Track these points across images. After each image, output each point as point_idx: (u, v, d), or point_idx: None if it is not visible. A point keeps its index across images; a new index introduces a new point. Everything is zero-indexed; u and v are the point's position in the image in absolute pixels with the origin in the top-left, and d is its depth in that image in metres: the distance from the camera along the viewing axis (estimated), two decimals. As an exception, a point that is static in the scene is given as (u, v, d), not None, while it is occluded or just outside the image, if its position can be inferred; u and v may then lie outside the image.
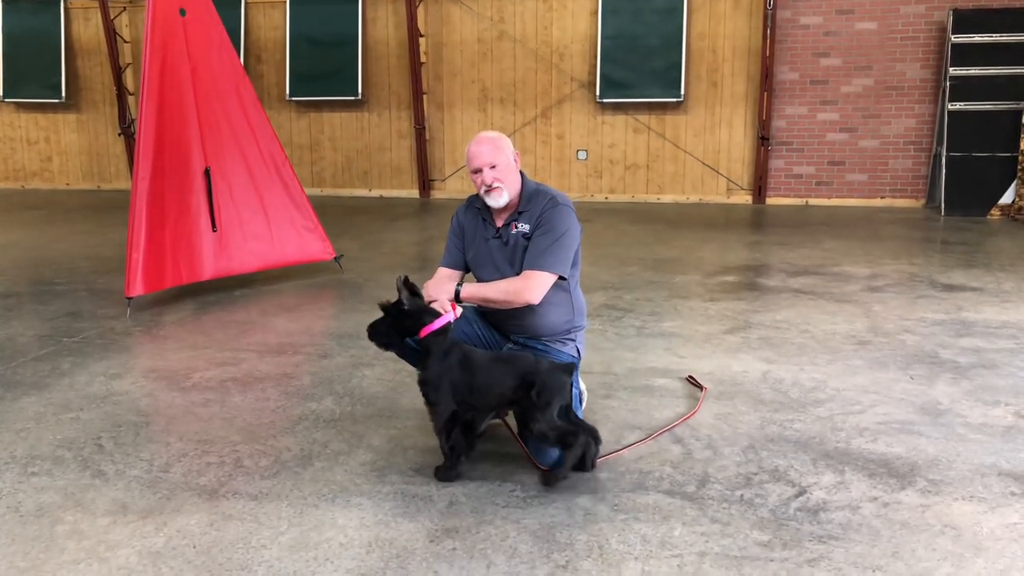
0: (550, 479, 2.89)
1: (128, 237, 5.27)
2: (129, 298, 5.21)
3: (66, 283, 6.15)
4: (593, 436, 2.97)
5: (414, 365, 3.28)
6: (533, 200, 3.17)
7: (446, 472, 2.94)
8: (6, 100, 11.93)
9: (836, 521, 2.67)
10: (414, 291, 2.94)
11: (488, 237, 3.23)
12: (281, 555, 2.49)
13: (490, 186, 3.10)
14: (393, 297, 2.95)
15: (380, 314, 2.99)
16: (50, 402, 3.75)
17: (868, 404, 3.66)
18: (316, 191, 11.15)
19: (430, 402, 2.93)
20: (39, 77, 11.75)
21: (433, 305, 3.02)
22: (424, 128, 10.83)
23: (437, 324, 2.91)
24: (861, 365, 4.19)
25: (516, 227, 3.16)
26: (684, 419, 3.49)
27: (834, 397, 3.75)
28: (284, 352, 4.49)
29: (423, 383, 2.94)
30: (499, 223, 3.22)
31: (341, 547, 2.53)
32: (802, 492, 2.86)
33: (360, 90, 10.84)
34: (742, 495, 2.84)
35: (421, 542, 2.55)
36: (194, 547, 2.53)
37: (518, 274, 3.12)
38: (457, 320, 3.18)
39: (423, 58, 10.69)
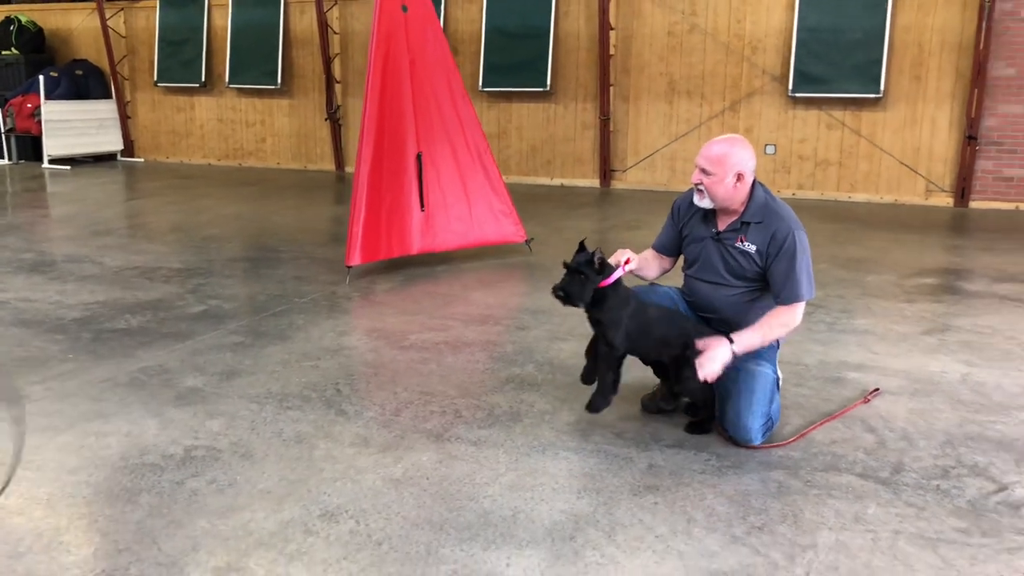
0: (695, 430, 3.30)
1: (351, 212, 5.85)
2: (349, 267, 5.80)
3: (288, 251, 6.88)
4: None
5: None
6: (762, 215, 3.20)
7: (603, 400, 3.25)
8: (230, 86, 13.26)
9: (1039, 519, 2.67)
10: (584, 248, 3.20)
11: (706, 236, 3.34)
12: (502, 492, 2.82)
13: (696, 185, 3.26)
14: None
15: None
16: (292, 351, 4.31)
17: (1079, 413, 3.55)
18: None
19: (606, 339, 3.19)
20: (259, 65, 12.98)
21: (610, 260, 3.25)
22: (609, 119, 11.05)
23: (613, 277, 3.17)
24: (1073, 374, 4.03)
25: (743, 242, 3.23)
26: (852, 407, 3.55)
27: (1041, 403, 3.66)
28: (486, 323, 4.88)
29: (600, 322, 3.20)
30: (720, 226, 3.31)
31: (553, 491, 2.83)
32: (1003, 488, 2.87)
33: (549, 82, 11.20)
34: (938, 485, 2.89)
35: (625, 494, 2.81)
36: (427, 478, 2.92)
37: (737, 284, 3.28)
38: (661, 296, 3.42)
39: (612, 51, 10.90)
